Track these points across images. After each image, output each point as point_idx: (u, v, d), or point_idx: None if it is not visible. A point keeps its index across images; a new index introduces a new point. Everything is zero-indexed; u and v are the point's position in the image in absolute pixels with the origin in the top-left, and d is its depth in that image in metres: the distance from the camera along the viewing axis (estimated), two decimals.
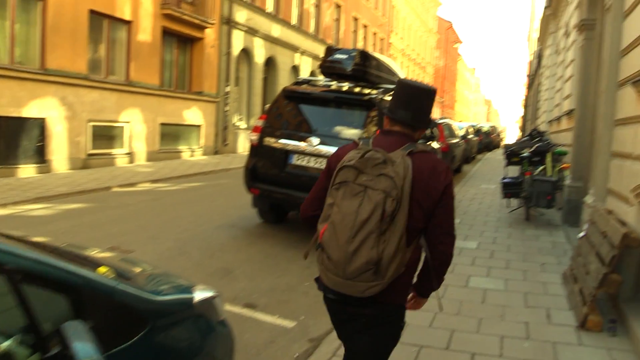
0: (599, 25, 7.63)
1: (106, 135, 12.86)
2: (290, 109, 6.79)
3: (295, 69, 22.93)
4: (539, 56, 24.71)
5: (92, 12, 12.07)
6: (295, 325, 4.21)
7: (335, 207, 1.98)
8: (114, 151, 13.13)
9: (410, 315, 2.42)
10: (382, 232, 1.90)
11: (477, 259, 6.21)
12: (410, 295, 2.31)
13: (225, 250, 6.13)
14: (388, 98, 6.87)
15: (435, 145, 9.74)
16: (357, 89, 6.86)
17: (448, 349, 3.74)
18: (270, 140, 6.54)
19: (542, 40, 22.87)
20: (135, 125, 13.69)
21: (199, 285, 2.52)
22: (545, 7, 18.61)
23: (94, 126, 12.32)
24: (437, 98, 62.50)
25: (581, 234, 5.31)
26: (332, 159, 2.20)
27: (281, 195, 6.42)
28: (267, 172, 6.60)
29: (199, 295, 2.32)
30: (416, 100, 2.16)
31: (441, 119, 18.23)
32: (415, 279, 2.24)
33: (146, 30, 13.90)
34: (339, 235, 1.93)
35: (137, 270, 2.48)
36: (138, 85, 13.68)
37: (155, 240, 6.31)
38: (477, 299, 4.80)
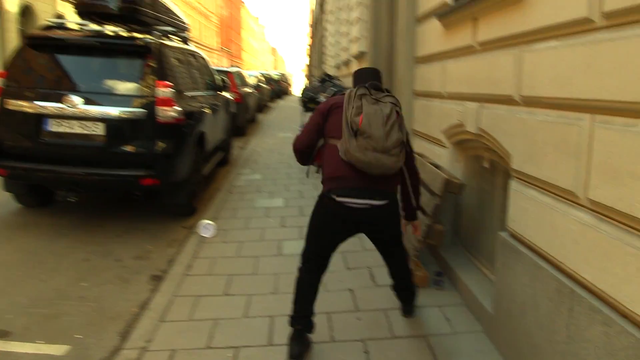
0: None
1: None
2: (41, 62, 5.17)
3: (60, 19, 19.65)
4: (322, 3, 25.05)
5: None
6: (70, 351, 3.08)
7: (363, 107, 2.65)
8: None
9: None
10: (399, 125, 2.69)
11: (286, 218, 5.63)
12: (404, 224, 3.12)
13: None
14: (169, 43, 5.74)
15: (227, 95, 8.83)
16: (128, 33, 5.57)
17: (271, 345, 3.03)
18: (15, 104, 4.90)
19: None
20: None
21: None
22: None
23: None
24: (224, 48, 61.35)
25: None
26: (322, 106, 2.91)
27: (41, 172, 4.93)
28: (16, 146, 4.99)
29: None
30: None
31: (231, 67, 17.42)
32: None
33: None
34: (376, 121, 2.61)
35: None
36: None
37: None
38: (295, 270, 4.15)
